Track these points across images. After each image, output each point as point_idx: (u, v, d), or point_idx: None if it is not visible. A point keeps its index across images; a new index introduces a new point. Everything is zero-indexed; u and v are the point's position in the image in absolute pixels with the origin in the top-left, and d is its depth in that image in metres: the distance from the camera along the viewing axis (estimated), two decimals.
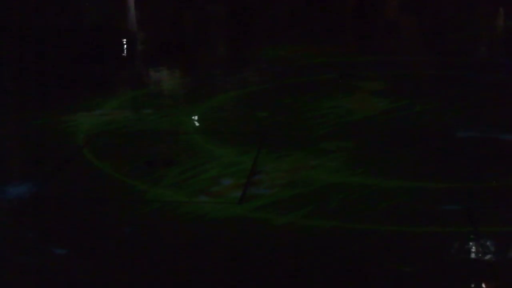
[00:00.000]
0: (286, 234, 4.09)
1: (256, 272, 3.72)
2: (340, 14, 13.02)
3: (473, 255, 3.80)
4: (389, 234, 4.06)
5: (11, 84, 8.10)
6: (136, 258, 3.87)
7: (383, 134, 5.89)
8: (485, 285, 3.51)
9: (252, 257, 3.88)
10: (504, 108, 6.53)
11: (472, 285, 3.52)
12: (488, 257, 3.76)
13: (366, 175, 4.90)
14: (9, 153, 5.81)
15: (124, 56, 9.64)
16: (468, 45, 9.73)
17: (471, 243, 3.90)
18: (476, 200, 4.48)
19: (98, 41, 10.39)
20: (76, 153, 5.55)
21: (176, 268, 3.78)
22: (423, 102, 6.69)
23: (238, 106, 6.87)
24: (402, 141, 5.70)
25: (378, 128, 6.03)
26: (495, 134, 5.74)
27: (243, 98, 7.13)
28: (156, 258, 3.86)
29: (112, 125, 6.22)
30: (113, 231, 4.24)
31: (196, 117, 6.48)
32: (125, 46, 10.22)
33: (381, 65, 8.36)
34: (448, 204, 4.40)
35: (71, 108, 6.70)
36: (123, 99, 7.23)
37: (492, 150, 5.46)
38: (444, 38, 10.17)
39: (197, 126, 6.34)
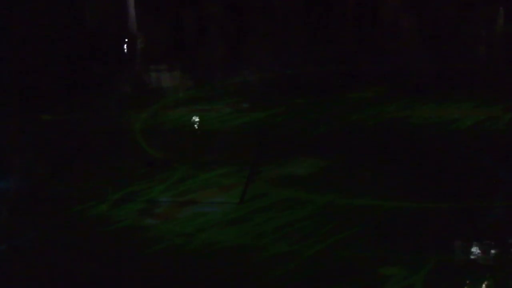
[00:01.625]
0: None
1: None
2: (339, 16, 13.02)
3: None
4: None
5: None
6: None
7: (375, 141, 5.69)
8: None
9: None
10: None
11: None
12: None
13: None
14: None
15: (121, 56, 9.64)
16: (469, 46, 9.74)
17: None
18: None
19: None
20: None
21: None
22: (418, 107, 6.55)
23: (237, 107, 6.84)
24: (394, 151, 5.49)
25: (368, 137, 5.82)
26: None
27: (241, 99, 7.12)
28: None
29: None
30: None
31: (195, 118, 6.48)
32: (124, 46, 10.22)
33: (379, 68, 8.34)
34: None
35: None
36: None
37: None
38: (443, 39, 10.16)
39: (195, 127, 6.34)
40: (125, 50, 9.89)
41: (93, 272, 3.68)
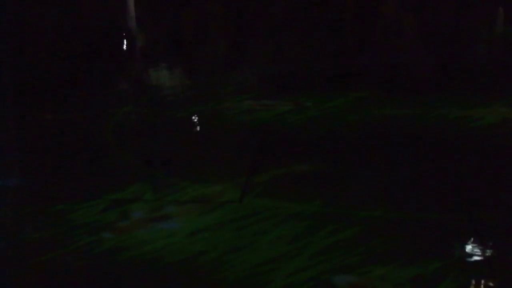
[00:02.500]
0: None
1: None
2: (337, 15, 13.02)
3: None
4: None
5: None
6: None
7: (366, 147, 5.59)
8: None
9: None
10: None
11: None
12: None
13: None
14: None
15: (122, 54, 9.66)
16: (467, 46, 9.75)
17: None
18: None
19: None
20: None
21: None
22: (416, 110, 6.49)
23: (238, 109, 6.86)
24: (383, 155, 5.38)
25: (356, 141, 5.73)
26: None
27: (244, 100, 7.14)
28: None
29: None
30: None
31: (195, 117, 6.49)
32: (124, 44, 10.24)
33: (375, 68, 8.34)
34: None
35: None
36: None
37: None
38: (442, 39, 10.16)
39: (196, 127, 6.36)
40: (125, 48, 9.91)
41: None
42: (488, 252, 3.78)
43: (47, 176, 5.04)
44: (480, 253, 3.77)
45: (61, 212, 4.36)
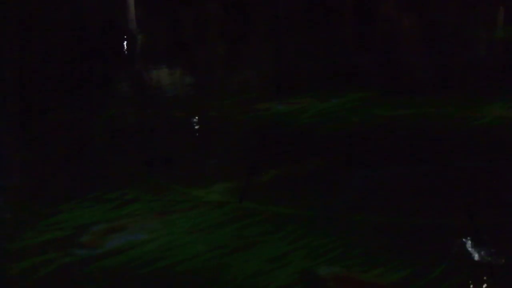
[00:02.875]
0: None
1: None
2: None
3: None
4: None
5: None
6: None
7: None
8: None
9: None
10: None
11: None
12: None
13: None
14: None
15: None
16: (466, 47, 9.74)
17: None
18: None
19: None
20: None
21: None
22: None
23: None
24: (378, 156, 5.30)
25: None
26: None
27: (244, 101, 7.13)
28: None
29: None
30: None
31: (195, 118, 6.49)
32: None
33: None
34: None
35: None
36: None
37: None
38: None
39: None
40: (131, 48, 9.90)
41: None
42: (489, 253, 3.77)
43: (44, 177, 5.03)
44: (480, 254, 3.76)
45: (59, 212, 4.35)
